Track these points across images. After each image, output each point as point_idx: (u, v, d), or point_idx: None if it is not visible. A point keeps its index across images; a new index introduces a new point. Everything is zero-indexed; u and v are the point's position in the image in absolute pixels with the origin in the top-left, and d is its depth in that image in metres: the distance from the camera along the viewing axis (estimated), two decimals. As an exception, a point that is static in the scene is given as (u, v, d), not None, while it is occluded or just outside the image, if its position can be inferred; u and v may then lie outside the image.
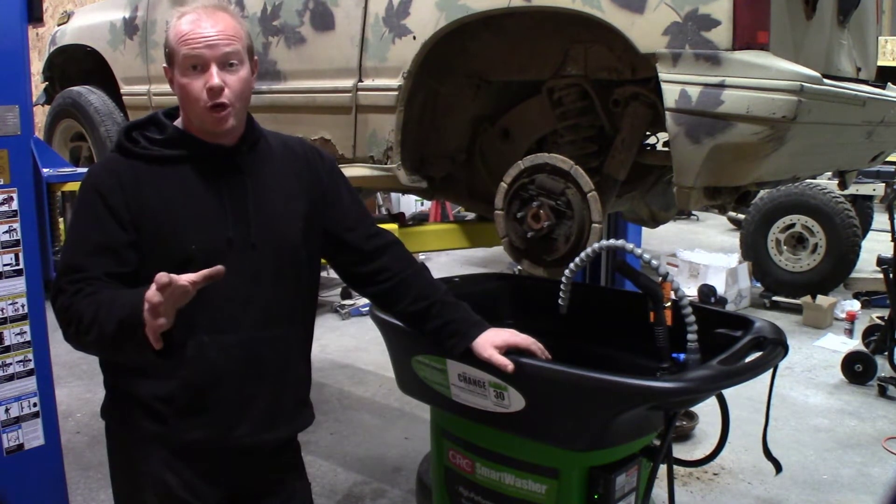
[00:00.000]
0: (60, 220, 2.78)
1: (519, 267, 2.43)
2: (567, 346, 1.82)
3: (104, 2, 3.64)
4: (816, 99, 1.76)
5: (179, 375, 1.44)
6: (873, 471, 3.27)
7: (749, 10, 1.79)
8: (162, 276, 1.16)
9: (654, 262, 1.72)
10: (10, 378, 2.26)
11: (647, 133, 2.39)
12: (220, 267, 1.23)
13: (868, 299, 5.81)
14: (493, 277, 2.54)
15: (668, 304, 1.68)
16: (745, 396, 2.74)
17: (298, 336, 1.60)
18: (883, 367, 4.18)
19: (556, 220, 2.14)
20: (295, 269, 1.56)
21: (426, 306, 1.65)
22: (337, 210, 1.63)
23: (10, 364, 2.26)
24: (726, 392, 1.74)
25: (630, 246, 1.72)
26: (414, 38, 2.33)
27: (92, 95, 3.54)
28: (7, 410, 2.26)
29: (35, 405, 2.32)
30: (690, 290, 5.53)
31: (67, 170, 2.83)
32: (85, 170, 2.47)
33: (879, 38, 2.77)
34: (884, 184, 6.14)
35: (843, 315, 5.33)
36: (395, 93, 2.39)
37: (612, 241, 1.75)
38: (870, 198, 6.70)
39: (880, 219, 6.87)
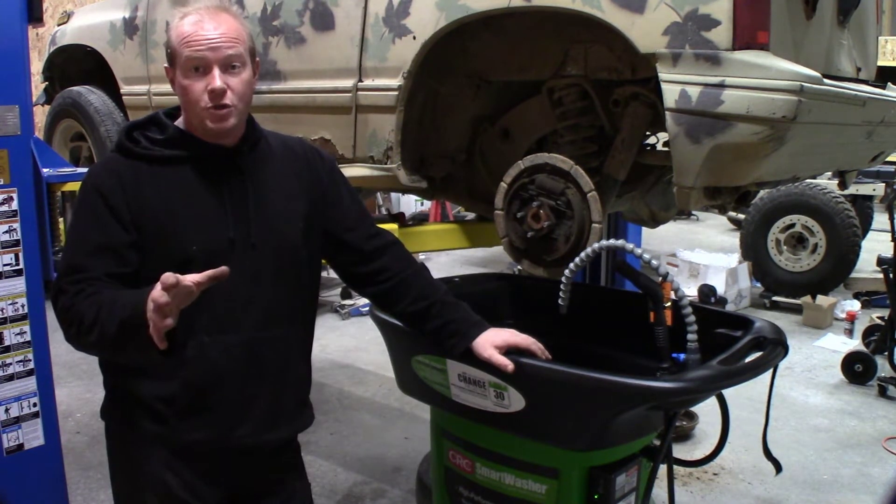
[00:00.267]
0: (60, 220, 2.78)
1: (519, 267, 2.43)
2: (567, 346, 1.82)
3: (104, 2, 3.64)
4: (816, 99, 1.76)
5: (180, 376, 1.44)
6: (873, 471, 3.27)
7: (749, 10, 1.79)
8: (168, 277, 1.15)
9: (654, 262, 1.72)
10: (10, 378, 2.26)
11: (647, 133, 2.39)
12: (224, 268, 1.22)
13: (868, 299, 5.81)
14: (493, 277, 2.54)
15: (668, 304, 1.68)
16: (745, 396, 2.74)
17: (299, 336, 1.60)
18: (883, 367, 4.18)
19: (556, 220, 2.15)
20: (295, 270, 1.56)
21: (426, 306, 1.65)
22: (337, 210, 1.64)
23: (10, 364, 2.26)
24: (726, 392, 1.74)
25: (630, 246, 1.72)
26: (414, 38, 2.33)
27: (92, 95, 3.54)
28: (7, 410, 2.26)
29: (35, 405, 2.32)
30: (690, 290, 5.53)
31: (67, 170, 2.83)
32: (85, 170, 2.48)
33: (879, 38, 2.77)
34: (884, 184, 6.14)
35: (843, 315, 5.32)
36: (395, 93, 2.39)
37: (612, 241, 1.75)
38: (870, 198, 6.70)
39: (880, 219, 6.87)
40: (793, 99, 1.71)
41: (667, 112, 1.87)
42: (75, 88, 3.63)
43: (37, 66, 4.34)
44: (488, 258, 7.34)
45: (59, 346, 1.83)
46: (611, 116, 2.28)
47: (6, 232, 2.22)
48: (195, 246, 1.43)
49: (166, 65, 1.47)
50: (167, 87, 1.50)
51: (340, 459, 3.35)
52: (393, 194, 7.46)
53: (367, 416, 3.86)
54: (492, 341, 1.60)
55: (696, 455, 3.23)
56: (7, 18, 2.22)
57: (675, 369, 1.64)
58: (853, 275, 6.02)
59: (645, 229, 3.48)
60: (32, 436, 2.32)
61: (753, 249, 6.02)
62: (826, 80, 1.82)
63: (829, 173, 5.14)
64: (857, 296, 5.88)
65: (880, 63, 2.75)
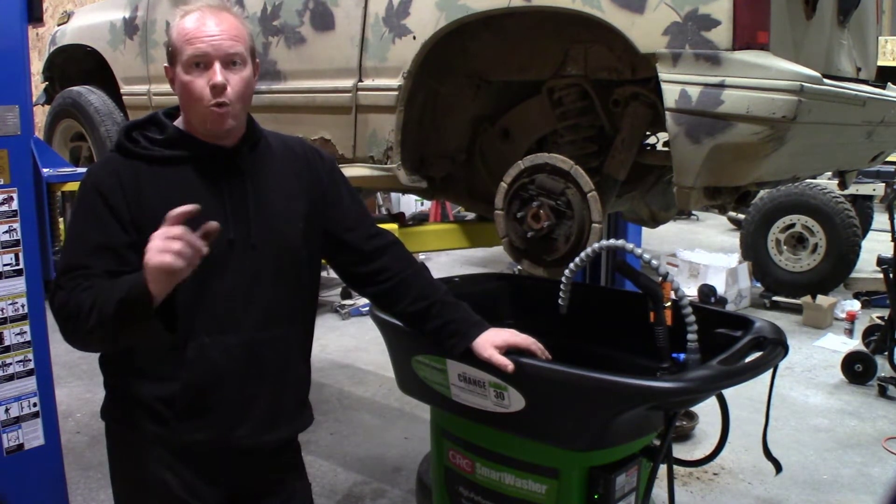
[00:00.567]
0: (60, 220, 2.78)
1: (519, 267, 2.43)
2: (567, 346, 1.82)
3: (104, 2, 3.64)
4: (816, 99, 1.76)
5: (180, 377, 1.44)
6: (873, 471, 3.27)
7: (749, 10, 1.79)
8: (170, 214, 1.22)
9: (654, 262, 1.72)
10: (10, 378, 2.26)
11: (647, 133, 2.39)
12: (215, 224, 1.28)
13: (868, 299, 5.81)
14: (493, 277, 2.54)
15: (668, 304, 1.68)
16: (745, 396, 2.74)
17: (299, 336, 1.60)
18: (883, 367, 4.18)
19: (556, 220, 2.14)
20: (295, 270, 1.56)
21: (426, 306, 1.65)
22: (337, 210, 1.63)
23: (10, 364, 2.26)
24: (726, 392, 1.74)
25: (630, 246, 1.72)
26: (414, 38, 2.33)
27: (92, 95, 3.54)
28: (7, 410, 2.26)
29: (35, 405, 2.32)
30: (690, 290, 5.53)
31: (67, 170, 2.83)
32: (85, 170, 2.47)
33: (879, 38, 2.77)
34: (884, 184, 6.15)
35: (843, 315, 5.33)
36: (395, 93, 2.39)
37: (612, 241, 1.75)
38: (870, 198, 6.70)
39: (880, 219, 6.87)
40: (793, 99, 1.71)
41: (667, 112, 1.87)
42: (75, 88, 3.63)
43: (37, 66, 4.34)
44: (488, 258, 7.34)
45: (58, 346, 1.83)
46: (611, 116, 2.28)
47: (6, 232, 2.22)
48: (195, 247, 1.42)
49: (166, 64, 1.47)
50: (167, 88, 1.50)
51: (340, 459, 3.35)
52: (393, 194, 7.46)
53: (367, 416, 3.86)
54: (492, 341, 1.60)
55: (696, 455, 3.23)
56: (7, 18, 2.22)
57: (675, 369, 1.64)
58: (853, 275, 6.02)
59: (645, 229, 3.48)
60: (32, 436, 2.32)
61: (753, 249, 6.02)
62: (826, 80, 1.82)
63: (829, 173, 5.14)
64: (857, 296, 5.89)
65: (880, 63, 2.75)
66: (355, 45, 2.50)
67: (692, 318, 1.64)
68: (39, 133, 3.89)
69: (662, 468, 1.77)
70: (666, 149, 2.01)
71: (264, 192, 1.52)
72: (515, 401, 1.61)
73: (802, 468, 3.28)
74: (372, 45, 2.46)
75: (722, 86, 1.78)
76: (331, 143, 2.64)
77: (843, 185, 2.88)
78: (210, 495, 1.52)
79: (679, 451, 3.23)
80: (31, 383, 2.31)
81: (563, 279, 1.83)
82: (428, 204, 7.80)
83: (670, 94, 1.85)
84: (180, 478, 1.49)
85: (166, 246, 1.20)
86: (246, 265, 1.47)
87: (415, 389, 1.89)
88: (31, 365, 2.30)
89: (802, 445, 3.51)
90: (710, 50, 1.80)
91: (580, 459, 1.65)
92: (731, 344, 1.71)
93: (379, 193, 7.02)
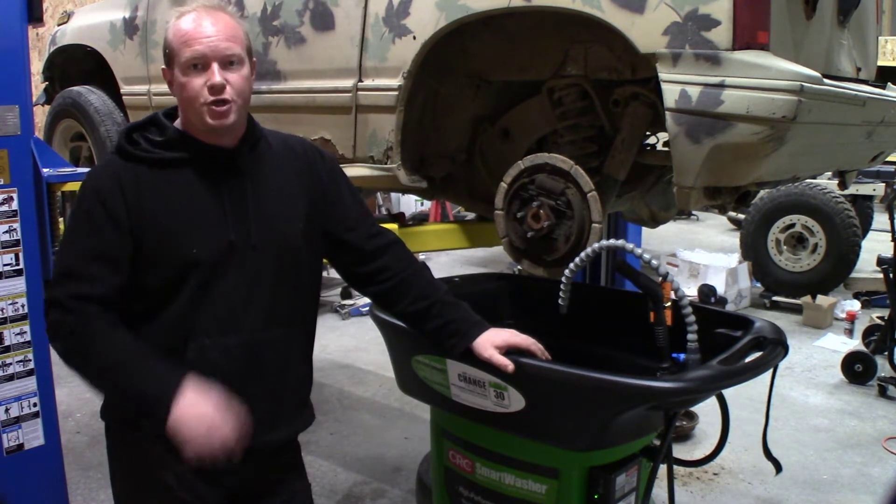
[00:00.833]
0: (60, 220, 2.78)
1: (519, 267, 2.43)
2: (567, 346, 1.82)
3: (104, 2, 3.64)
4: (816, 99, 1.76)
5: (181, 377, 1.44)
6: (873, 471, 3.27)
7: (749, 10, 1.79)
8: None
9: (654, 262, 1.72)
10: (10, 378, 2.26)
11: (647, 133, 2.39)
12: None
13: (868, 299, 5.81)
14: (493, 277, 2.54)
15: (668, 304, 1.68)
16: (745, 396, 2.74)
17: (299, 336, 1.60)
18: (883, 367, 4.18)
19: (556, 220, 2.14)
20: (295, 270, 1.56)
21: (426, 306, 1.64)
22: (338, 209, 1.63)
23: (10, 364, 2.26)
24: (726, 392, 1.75)
25: (630, 246, 1.72)
26: (414, 38, 2.33)
27: (92, 95, 3.54)
28: (7, 410, 2.26)
29: (35, 405, 2.32)
30: (690, 290, 5.53)
31: (67, 170, 2.82)
32: (85, 170, 2.47)
33: (879, 38, 2.77)
34: (884, 184, 6.15)
35: (843, 315, 5.32)
36: (395, 93, 2.39)
37: (612, 241, 1.75)
38: (870, 198, 6.70)
39: (880, 219, 6.87)
40: (793, 99, 1.71)
41: (667, 112, 1.87)
42: (75, 88, 3.62)
43: (37, 66, 4.33)
44: (488, 258, 7.33)
45: (59, 346, 1.83)
46: (611, 116, 2.28)
47: (6, 232, 2.22)
48: (195, 248, 1.42)
49: (163, 66, 1.47)
50: (167, 88, 1.50)
51: (340, 459, 3.35)
52: (393, 194, 7.46)
53: (367, 416, 3.86)
54: (492, 341, 1.60)
55: (696, 455, 3.23)
56: (7, 18, 2.22)
57: (675, 369, 1.64)
58: (853, 275, 6.02)
59: (645, 229, 3.48)
60: (32, 436, 2.32)
61: (753, 249, 6.02)
62: (826, 80, 1.82)
63: (829, 173, 5.14)
64: (857, 296, 5.88)
65: (880, 63, 2.75)
66: (355, 45, 2.50)
67: (692, 318, 1.64)
68: (39, 133, 3.89)
69: (662, 468, 1.77)
70: (666, 149, 2.01)
71: (264, 192, 1.52)
72: (515, 401, 1.61)
73: (802, 468, 3.28)
74: (372, 45, 2.46)
75: (722, 86, 1.78)
76: (331, 143, 2.64)
77: (843, 185, 2.88)
78: (210, 495, 1.52)
79: (679, 451, 3.23)
80: (31, 383, 2.31)
81: (563, 279, 1.83)
82: (428, 204, 7.81)
83: (670, 94, 1.85)
84: (180, 478, 1.49)
85: (210, 438, 1.32)
86: (246, 266, 1.47)
87: (415, 389, 1.89)
88: (32, 365, 2.30)
89: (802, 445, 3.51)
90: (710, 50, 1.80)
91: (580, 459, 1.65)
92: (731, 344, 1.71)
93: (379, 193, 7.02)
